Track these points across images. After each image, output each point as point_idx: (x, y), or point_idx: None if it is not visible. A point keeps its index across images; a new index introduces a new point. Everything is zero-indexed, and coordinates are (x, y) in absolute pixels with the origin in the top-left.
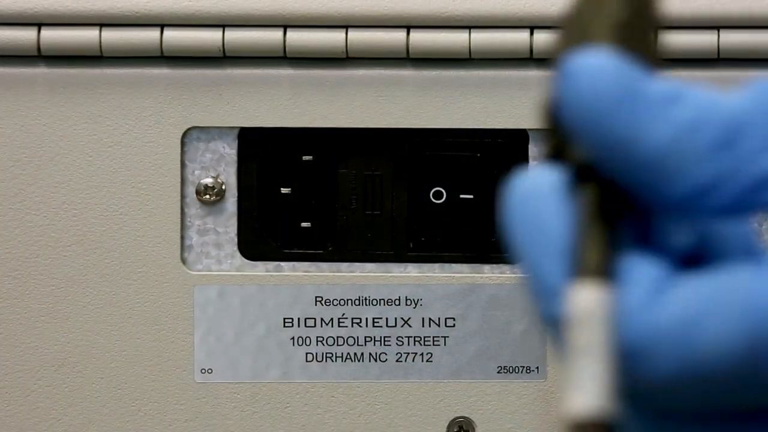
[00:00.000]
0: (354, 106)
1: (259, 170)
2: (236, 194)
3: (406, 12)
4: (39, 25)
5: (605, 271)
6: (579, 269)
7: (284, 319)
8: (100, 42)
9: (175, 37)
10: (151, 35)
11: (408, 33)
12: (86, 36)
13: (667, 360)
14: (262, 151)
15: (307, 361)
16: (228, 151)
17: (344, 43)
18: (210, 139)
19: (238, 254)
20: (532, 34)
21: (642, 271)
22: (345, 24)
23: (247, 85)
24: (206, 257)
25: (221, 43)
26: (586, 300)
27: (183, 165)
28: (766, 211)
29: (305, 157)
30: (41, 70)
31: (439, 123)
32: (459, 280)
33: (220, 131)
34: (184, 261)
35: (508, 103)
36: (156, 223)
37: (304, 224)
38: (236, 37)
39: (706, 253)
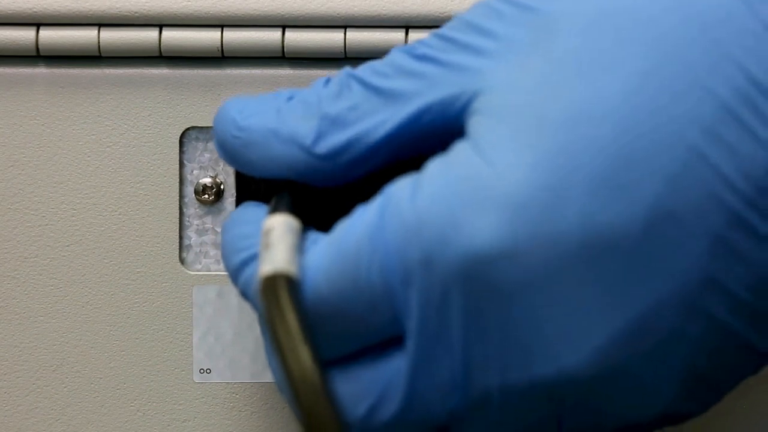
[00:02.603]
0: None
1: None
2: (234, 194)
3: (405, 12)
4: (38, 25)
5: (285, 212)
6: (270, 212)
7: None
8: (99, 42)
9: (173, 37)
10: (149, 35)
11: (407, 33)
12: (85, 36)
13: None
14: None
15: None
16: None
17: (343, 43)
18: (208, 139)
19: None
20: None
21: (311, 234)
22: (344, 24)
23: (245, 85)
24: (205, 257)
25: (220, 43)
26: (272, 220)
27: (182, 165)
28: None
29: None
30: (40, 70)
31: None
32: None
33: None
34: (182, 261)
35: None
36: (155, 222)
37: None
38: (235, 37)
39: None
